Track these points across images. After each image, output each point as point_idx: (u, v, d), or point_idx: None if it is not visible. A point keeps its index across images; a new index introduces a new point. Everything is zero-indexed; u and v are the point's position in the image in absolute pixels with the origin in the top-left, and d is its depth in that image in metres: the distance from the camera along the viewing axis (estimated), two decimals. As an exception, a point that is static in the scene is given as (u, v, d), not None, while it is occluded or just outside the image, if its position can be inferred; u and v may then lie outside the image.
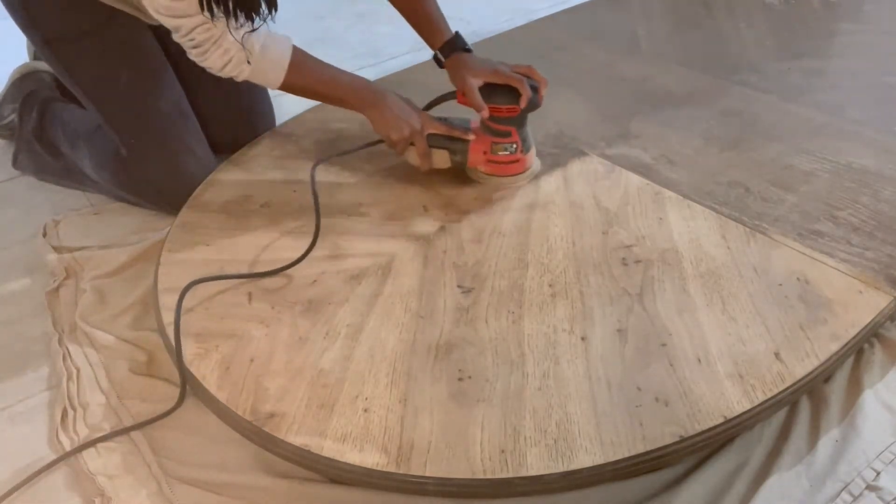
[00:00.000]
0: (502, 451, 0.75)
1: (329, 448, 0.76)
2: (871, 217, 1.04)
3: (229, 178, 1.17)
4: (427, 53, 1.22)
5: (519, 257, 0.99)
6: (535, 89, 1.08)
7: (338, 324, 0.90)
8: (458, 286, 0.95)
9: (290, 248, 1.02)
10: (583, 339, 0.87)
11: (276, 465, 0.81)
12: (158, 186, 1.17)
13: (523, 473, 0.73)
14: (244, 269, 0.99)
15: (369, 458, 0.75)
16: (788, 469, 0.79)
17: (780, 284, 0.93)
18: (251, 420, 0.79)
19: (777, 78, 1.43)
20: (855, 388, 0.87)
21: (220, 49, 1.00)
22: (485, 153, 1.11)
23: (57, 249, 1.15)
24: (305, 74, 1.07)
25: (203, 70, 1.04)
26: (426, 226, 1.06)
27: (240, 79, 1.04)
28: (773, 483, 0.77)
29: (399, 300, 0.93)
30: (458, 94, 1.12)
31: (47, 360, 0.98)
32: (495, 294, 0.93)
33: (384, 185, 1.15)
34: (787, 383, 0.80)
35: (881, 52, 1.53)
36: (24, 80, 1.35)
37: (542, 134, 1.26)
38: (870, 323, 0.88)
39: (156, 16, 0.97)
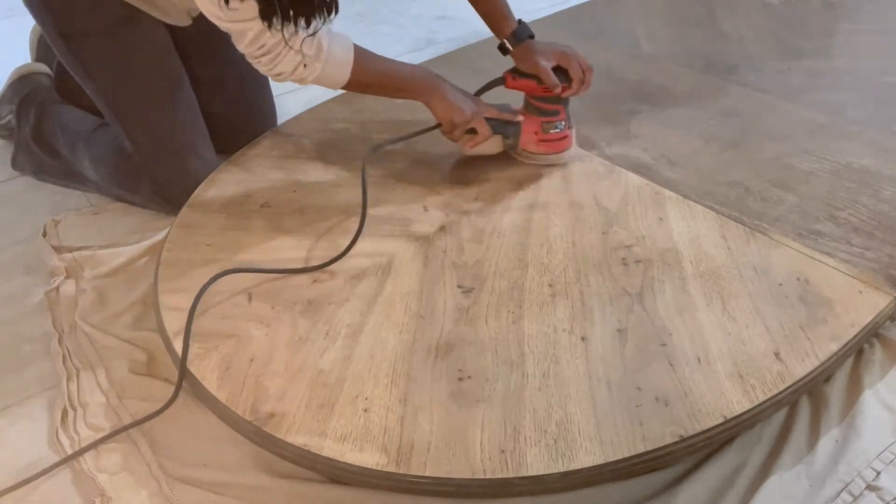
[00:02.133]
0: (502, 451, 0.75)
1: (329, 448, 0.76)
2: (871, 217, 1.04)
3: (229, 178, 1.17)
4: (427, 53, 1.23)
5: (519, 257, 0.99)
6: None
7: (338, 324, 0.90)
8: (458, 286, 0.95)
9: (290, 248, 1.02)
10: (583, 339, 0.87)
11: (276, 465, 0.81)
12: (162, 186, 1.17)
13: (523, 473, 0.73)
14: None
15: (369, 458, 0.75)
16: (788, 469, 0.79)
17: (780, 284, 0.93)
18: (251, 420, 0.79)
19: (777, 78, 1.43)
20: (855, 388, 0.88)
21: (291, 52, 0.97)
22: (536, 133, 1.15)
23: (57, 249, 1.15)
24: (368, 70, 1.07)
25: (208, 71, 1.04)
26: (426, 226, 1.06)
27: (308, 81, 1.03)
28: (773, 483, 0.77)
29: (399, 300, 0.93)
30: (508, 79, 1.15)
31: (47, 360, 0.98)
32: (495, 294, 0.93)
33: (384, 185, 1.15)
34: (787, 383, 0.80)
35: (881, 52, 1.53)
36: (21, 82, 1.35)
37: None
38: (870, 323, 0.88)
39: (218, 24, 0.95)
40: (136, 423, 0.85)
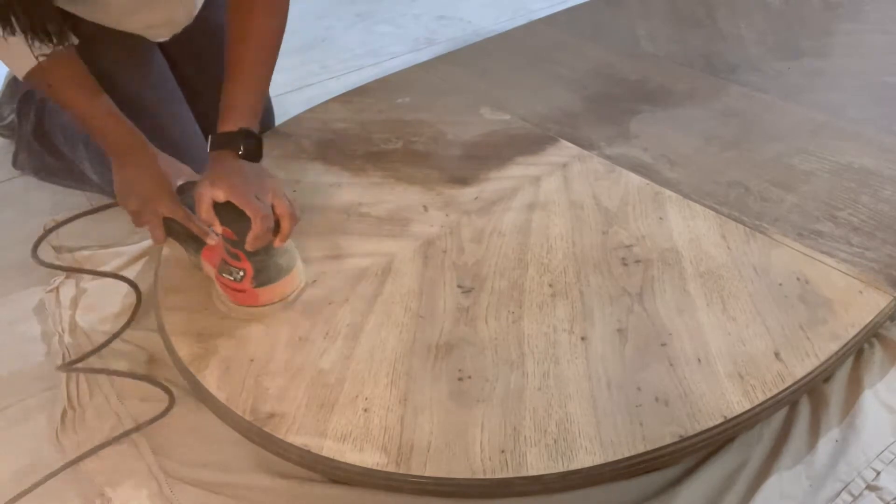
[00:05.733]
0: (502, 451, 0.75)
1: (329, 448, 0.76)
2: (871, 217, 1.04)
3: (229, 178, 1.17)
4: (427, 53, 1.23)
5: (519, 257, 0.99)
6: (277, 223, 0.88)
7: (338, 324, 0.90)
8: (458, 286, 0.95)
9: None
10: (583, 339, 0.87)
11: (276, 465, 0.81)
12: None
13: (523, 473, 0.73)
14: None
15: (369, 458, 0.75)
16: (788, 469, 0.79)
17: (780, 284, 0.93)
18: (251, 420, 0.79)
19: (777, 78, 1.43)
20: (855, 388, 0.88)
21: None
22: (214, 266, 0.93)
23: (57, 249, 1.15)
24: (57, 83, 0.94)
25: (205, 77, 1.03)
26: (426, 226, 1.06)
27: None
28: (773, 483, 0.77)
29: (399, 300, 0.93)
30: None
31: (47, 360, 0.98)
32: (495, 294, 0.93)
33: (384, 185, 1.15)
34: (787, 383, 0.80)
35: (881, 52, 1.53)
36: (18, 80, 1.35)
37: (542, 134, 1.26)
38: (870, 323, 0.88)
39: None
40: (139, 428, 0.85)
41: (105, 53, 1.09)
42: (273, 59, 0.99)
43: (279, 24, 0.98)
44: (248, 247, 0.86)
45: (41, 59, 0.88)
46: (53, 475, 0.82)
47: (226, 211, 0.87)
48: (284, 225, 0.88)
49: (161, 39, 1.18)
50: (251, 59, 0.95)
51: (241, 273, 0.89)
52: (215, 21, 1.20)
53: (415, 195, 1.12)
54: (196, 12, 1.18)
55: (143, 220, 0.96)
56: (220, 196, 0.86)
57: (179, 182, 0.98)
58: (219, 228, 0.88)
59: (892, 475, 0.78)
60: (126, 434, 0.85)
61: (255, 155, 0.91)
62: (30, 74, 0.93)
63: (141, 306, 1.00)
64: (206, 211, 0.87)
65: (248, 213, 0.85)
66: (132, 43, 1.12)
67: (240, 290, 0.91)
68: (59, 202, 1.27)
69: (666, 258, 0.98)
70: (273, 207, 0.88)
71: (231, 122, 0.91)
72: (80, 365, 0.93)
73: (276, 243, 0.89)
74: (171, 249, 1.03)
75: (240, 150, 0.90)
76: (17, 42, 0.81)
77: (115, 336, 0.96)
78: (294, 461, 0.79)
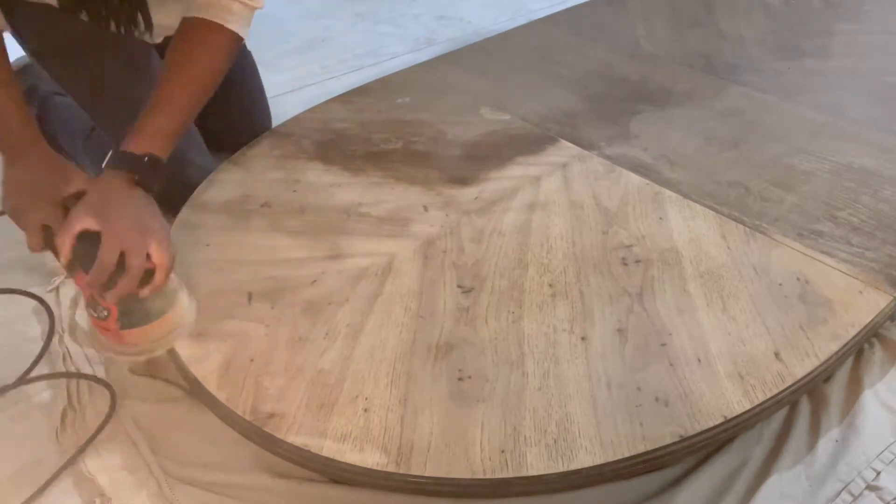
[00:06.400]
0: (502, 451, 0.75)
1: (329, 448, 0.76)
2: (871, 217, 1.04)
3: (229, 178, 1.17)
4: (427, 53, 1.23)
5: (519, 257, 0.99)
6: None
7: (338, 324, 0.90)
8: (458, 286, 0.95)
9: (290, 247, 1.02)
10: (583, 339, 0.87)
11: (276, 465, 0.81)
12: (162, 198, 1.17)
13: (523, 473, 0.73)
14: (244, 269, 0.99)
15: (369, 458, 0.75)
16: (788, 469, 0.79)
17: (780, 284, 0.93)
18: (251, 420, 0.79)
19: (777, 78, 1.43)
20: (855, 388, 0.88)
21: None
22: (84, 299, 0.85)
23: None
24: None
25: None
26: (426, 226, 1.06)
27: None
28: (773, 483, 0.77)
29: (399, 300, 0.93)
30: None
31: (47, 360, 0.98)
32: (495, 294, 0.93)
33: (384, 185, 1.15)
34: (787, 383, 0.80)
35: (881, 52, 1.53)
36: (21, 73, 1.34)
37: (542, 134, 1.26)
38: (870, 323, 0.88)
39: None
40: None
41: (103, 57, 1.10)
42: (203, 96, 0.93)
43: (219, 66, 0.94)
44: (105, 299, 0.80)
45: None
46: (56, 476, 0.82)
47: (92, 243, 0.80)
48: (157, 276, 0.81)
49: (157, 40, 1.19)
50: (179, 88, 0.91)
51: (106, 313, 0.82)
52: None
53: (415, 195, 1.12)
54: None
55: (20, 223, 0.88)
56: (91, 225, 0.80)
57: (71, 190, 0.88)
58: (63, 261, 0.80)
59: (892, 475, 0.78)
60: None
61: (151, 186, 0.86)
62: None
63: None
64: (63, 239, 0.80)
65: (104, 246, 0.79)
66: (129, 47, 1.13)
67: (106, 329, 0.84)
68: (59, 202, 1.27)
69: (666, 258, 0.98)
70: (149, 254, 0.81)
71: (140, 145, 0.86)
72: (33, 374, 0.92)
73: (142, 294, 0.81)
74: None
75: (136, 177, 0.85)
76: None
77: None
78: (294, 461, 0.79)
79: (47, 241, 0.86)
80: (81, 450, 0.85)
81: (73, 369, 0.94)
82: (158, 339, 0.86)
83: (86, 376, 0.93)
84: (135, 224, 0.82)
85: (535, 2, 2.12)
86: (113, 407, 0.89)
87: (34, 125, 0.92)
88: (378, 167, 1.19)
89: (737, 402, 0.78)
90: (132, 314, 0.83)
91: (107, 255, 0.78)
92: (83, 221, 0.81)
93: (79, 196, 0.86)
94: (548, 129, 1.28)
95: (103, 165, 0.86)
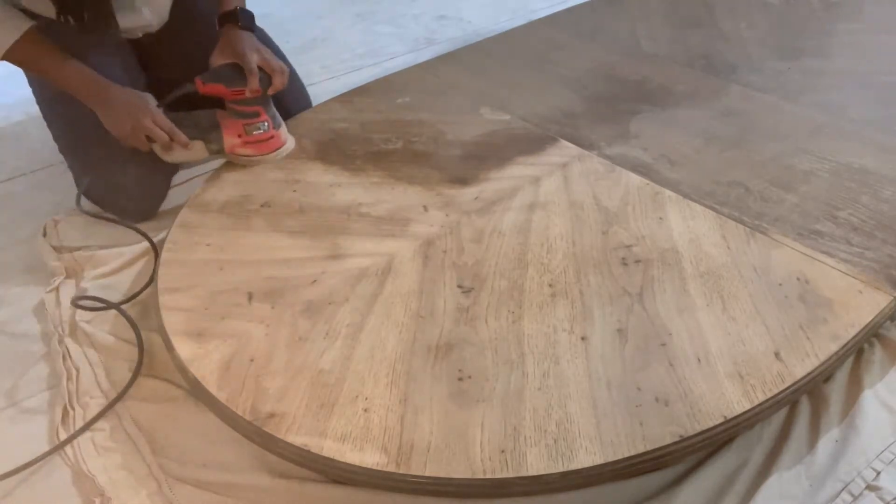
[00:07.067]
0: (502, 451, 0.75)
1: (329, 448, 0.76)
2: (871, 217, 1.04)
3: (229, 178, 1.17)
4: (427, 53, 1.23)
5: (519, 257, 0.99)
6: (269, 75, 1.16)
7: (338, 324, 0.90)
8: (458, 286, 0.95)
9: (290, 247, 1.02)
10: (583, 338, 0.87)
11: (276, 465, 0.81)
12: (113, 204, 1.19)
13: (523, 473, 0.73)
14: (244, 269, 0.99)
15: (369, 458, 0.75)
16: (788, 469, 0.79)
17: (780, 284, 0.93)
18: (251, 420, 0.79)
19: (777, 78, 1.43)
20: (855, 388, 0.88)
21: None
22: (239, 136, 1.16)
23: (57, 249, 1.15)
24: (27, 60, 1.09)
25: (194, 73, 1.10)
26: (426, 226, 1.06)
27: None
28: (773, 483, 0.77)
29: (399, 300, 0.93)
30: (198, 84, 1.13)
31: (47, 360, 0.98)
32: (495, 294, 0.93)
33: (384, 185, 1.15)
34: (787, 383, 0.80)
35: (881, 52, 1.53)
36: None
37: (542, 134, 1.26)
38: (870, 323, 0.88)
39: None
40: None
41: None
42: None
43: None
44: (275, 88, 1.16)
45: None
46: (41, 458, 0.83)
47: (235, 72, 1.13)
48: (277, 79, 1.16)
49: (135, 35, 1.23)
50: None
51: (265, 123, 1.16)
52: (200, 12, 1.27)
53: (415, 195, 1.12)
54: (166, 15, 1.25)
55: (132, 140, 1.10)
56: (224, 61, 1.14)
57: (153, 103, 1.13)
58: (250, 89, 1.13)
59: (892, 475, 0.78)
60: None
61: (250, 26, 1.18)
62: (7, 54, 1.05)
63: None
64: (253, 66, 1.13)
65: (269, 68, 1.14)
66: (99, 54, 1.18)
67: (269, 137, 1.17)
68: (58, 203, 1.27)
69: (666, 258, 0.98)
70: (264, 64, 1.14)
71: (229, 3, 1.18)
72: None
73: (271, 92, 1.16)
74: (172, 250, 1.03)
75: (242, 23, 1.16)
76: None
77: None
78: (294, 461, 0.79)
79: (189, 135, 1.14)
80: (117, 398, 0.89)
81: (73, 369, 0.94)
82: (287, 141, 1.21)
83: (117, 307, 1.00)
84: (259, 47, 1.16)
85: (535, 2, 2.12)
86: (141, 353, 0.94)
87: (102, 77, 1.11)
88: (378, 167, 1.19)
89: (737, 402, 0.78)
90: (275, 117, 1.19)
91: (253, 65, 1.12)
92: (224, 59, 1.14)
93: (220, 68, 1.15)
94: (548, 129, 1.28)
95: (217, 27, 1.19)
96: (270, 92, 1.16)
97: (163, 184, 1.23)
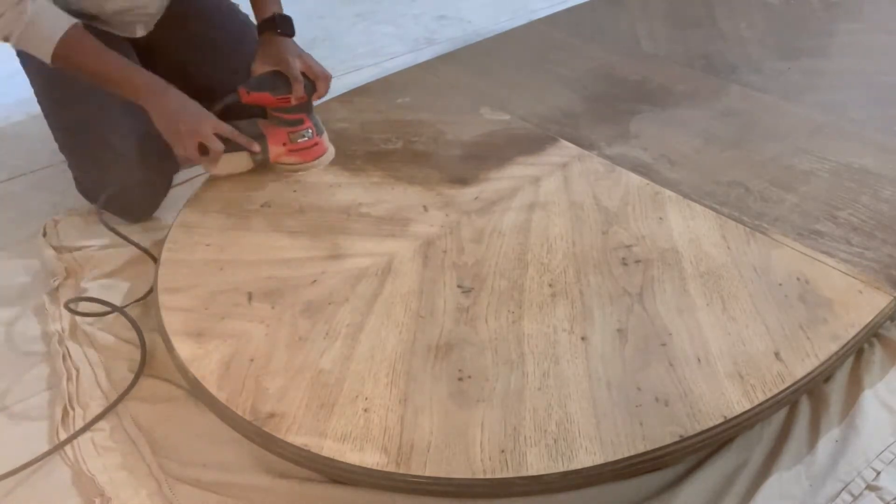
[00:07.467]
0: (502, 451, 0.75)
1: (329, 448, 0.76)
2: (871, 217, 1.04)
3: (229, 178, 1.17)
4: (427, 53, 1.23)
5: (519, 257, 0.99)
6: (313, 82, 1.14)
7: (338, 324, 0.90)
8: (458, 286, 0.95)
9: (289, 248, 1.02)
10: (583, 339, 0.87)
11: (276, 465, 0.81)
12: (113, 203, 1.17)
13: (523, 473, 0.73)
14: (244, 269, 0.99)
15: (369, 458, 0.75)
16: (788, 469, 0.79)
17: (780, 284, 0.93)
18: (251, 420, 0.79)
19: (777, 78, 1.43)
20: (855, 388, 0.88)
21: None
22: (284, 144, 1.15)
23: (57, 249, 1.15)
24: (79, 56, 1.04)
25: (207, 68, 1.08)
26: (426, 226, 1.06)
27: (10, 42, 1.04)
28: (773, 483, 0.77)
29: (399, 300, 0.93)
30: (241, 94, 1.11)
31: (47, 360, 0.98)
32: (495, 294, 0.93)
33: (384, 185, 1.15)
34: (787, 383, 0.80)
35: (881, 52, 1.53)
36: None
37: (542, 134, 1.26)
38: (870, 323, 0.88)
39: None
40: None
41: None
42: None
43: None
44: (318, 95, 1.15)
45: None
46: (38, 459, 0.83)
47: (274, 85, 1.11)
48: (321, 86, 1.14)
49: (139, 34, 1.22)
50: None
51: (310, 131, 1.16)
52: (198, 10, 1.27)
53: (415, 195, 1.12)
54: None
55: (185, 144, 1.06)
56: (266, 68, 1.12)
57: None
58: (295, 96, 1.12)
59: (892, 475, 0.78)
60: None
61: (289, 32, 1.16)
62: (55, 56, 1.03)
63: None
64: (297, 73, 1.11)
65: (313, 74, 1.13)
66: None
67: (314, 144, 1.17)
68: (59, 202, 1.27)
69: (666, 258, 0.98)
70: (307, 71, 1.13)
71: (267, 11, 1.16)
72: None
73: (315, 98, 1.16)
74: (172, 250, 1.03)
75: (281, 29, 1.15)
76: (38, 30, 1.01)
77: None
78: (294, 461, 0.78)
79: (230, 147, 1.11)
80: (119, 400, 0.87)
81: (73, 369, 0.94)
82: (329, 148, 1.21)
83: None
84: (301, 53, 1.14)
85: (535, 2, 2.12)
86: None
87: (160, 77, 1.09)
88: (378, 167, 1.19)
89: (737, 402, 0.78)
90: (318, 124, 1.18)
91: (297, 72, 1.11)
92: (266, 66, 1.13)
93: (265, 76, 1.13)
94: (548, 129, 1.28)
95: (258, 35, 1.17)
96: (315, 98, 1.15)
97: (164, 184, 1.23)
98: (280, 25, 1.15)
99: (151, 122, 1.09)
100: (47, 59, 1.04)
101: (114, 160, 1.14)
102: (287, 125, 1.14)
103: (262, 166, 1.16)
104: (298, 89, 1.11)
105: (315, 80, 1.13)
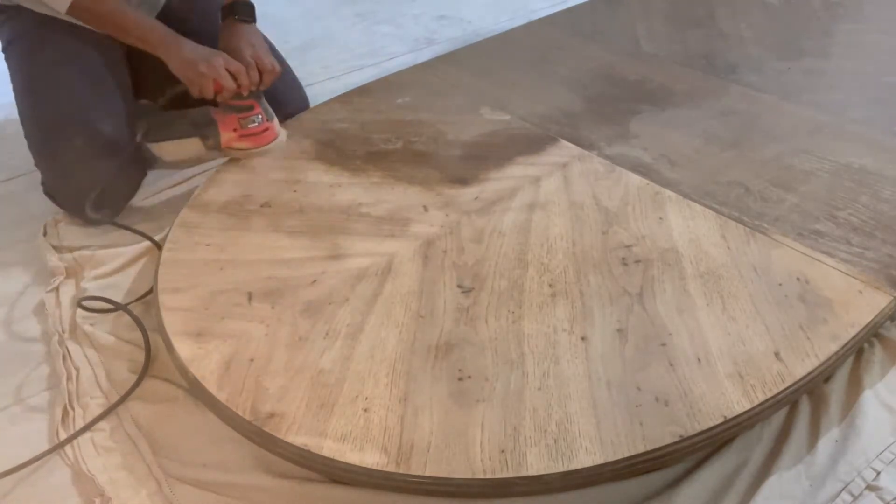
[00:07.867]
0: (502, 451, 0.75)
1: (329, 448, 0.76)
2: (871, 217, 1.04)
3: (229, 178, 1.17)
4: (427, 53, 1.23)
5: (519, 257, 0.99)
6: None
7: (338, 324, 0.90)
8: (458, 286, 0.95)
9: (289, 248, 1.02)
10: (583, 339, 0.87)
11: (276, 465, 0.81)
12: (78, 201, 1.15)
13: (523, 473, 0.73)
14: (244, 269, 0.99)
15: (369, 458, 0.75)
16: (788, 469, 0.79)
17: (780, 284, 0.93)
18: (251, 420, 0.79)
19: (777, 78, 1.43)
20: (855, 388, 0.88)
21: None
22: (235, 130, 1.18)
23: (57, 249, 1.15)
24: (98, 5, 1.11)
25: None
26: (426, 226, 1.06)
27: None
28: (773, 483, 0.77)
29: (399, 300, 0.93)
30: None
31: (47, 360, 0.98)
32: (495, 294, 0.93)
33: (384, 185, 1.15)
34: (787, 383, 0.80)
35: (881, 52, 1.53)
36: None
37: (542, 134, 1.26)
38: (870, 323, 0.88)
39: None
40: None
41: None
42: None
43: None
44: (263, 86, 1.18)
45: None
46: (39, 458, 0.82)
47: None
48: (266, 78, 1.18)
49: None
50: None
51: (260, 116, 1.19)
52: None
53: (415, 195, 1.12)
54: None
55: (205, 82, 1.12)
56: (249, 53, 1.15)
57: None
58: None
59: (892, 475, 0.78)
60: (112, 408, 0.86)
61: (249, 18, 1.21)
62: (73, 6, 1.09)
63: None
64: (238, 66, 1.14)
65: (261, 65, 1.16)
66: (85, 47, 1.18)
67: (264, 129, 1.20)
68: (59, 202, 1.27)
69: (666, 258, 0.98)
70: (257, 61, 1.17)
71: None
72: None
73: (261, 87, 1.19)
74: (172, 250, 1.03)
75: (241, 16, 1.19)
76: None
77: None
78: (294, 461, 0.78)
79: (180, 133, 1.18)
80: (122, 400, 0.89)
81: (73, 369, 0.94)
82: (281, 134, 1.24)
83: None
84: (255, 41, 1.19)
85: (535, 2, 2.12)
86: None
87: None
88: (378, 167, 1.19)
89: (737, 402, 0.78)
90: (268, 110, 1.21)
91: (248, 59, 1.15)
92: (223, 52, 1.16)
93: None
94: (548, 129, 1.28)
95: (220, 21, 1.21)
96: (261, 87, 1.19)
97: (134, 181, 1.21)
98: (238, 11, 1.20)
99: (121, 126, 1.14)
100: (63, 9, 1.09)
101: (81, 157, 1.13)
102: (237, 111, 1.17)
103: (214, 152, 1.20)
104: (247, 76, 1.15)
105: (262, 73, 1.17)
